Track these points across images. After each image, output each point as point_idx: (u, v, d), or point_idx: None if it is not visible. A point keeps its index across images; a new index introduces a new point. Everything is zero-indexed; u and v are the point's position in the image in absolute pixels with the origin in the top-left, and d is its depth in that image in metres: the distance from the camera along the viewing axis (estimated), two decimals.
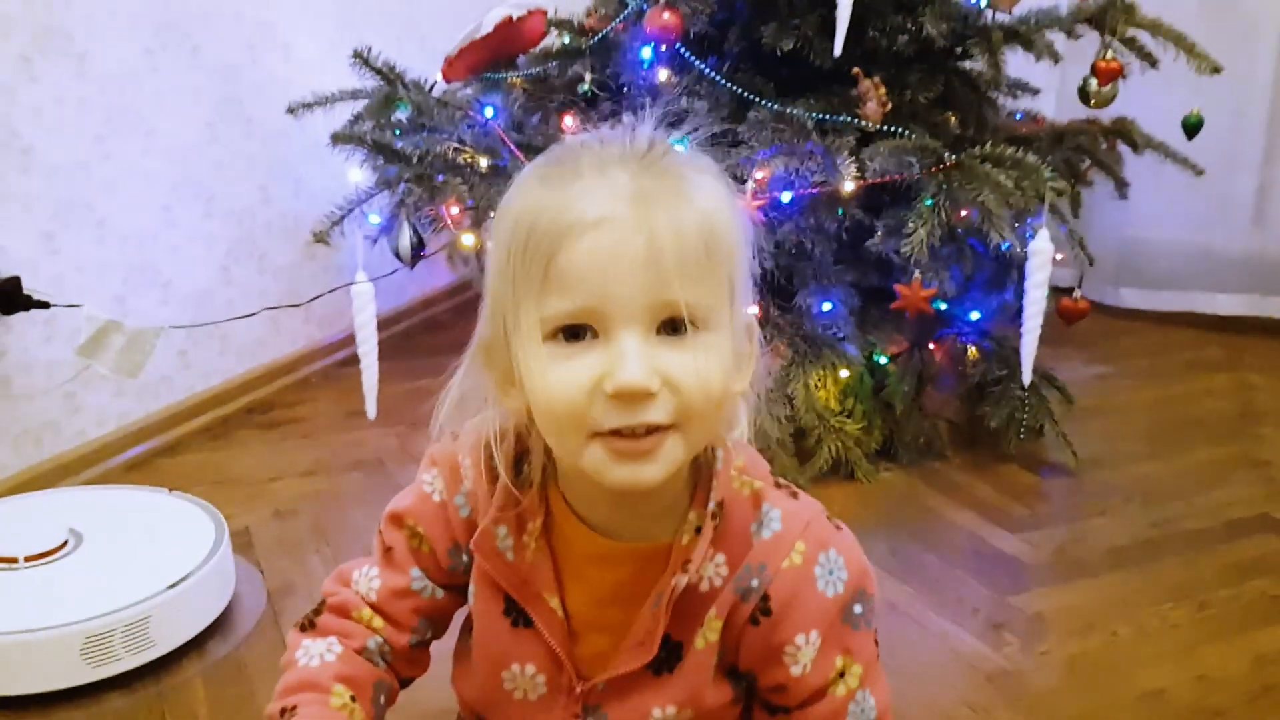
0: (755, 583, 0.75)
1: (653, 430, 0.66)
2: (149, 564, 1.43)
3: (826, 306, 1.80)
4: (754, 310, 0.74)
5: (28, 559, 1.43)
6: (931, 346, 1.93)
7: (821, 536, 0.77)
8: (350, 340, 2.14)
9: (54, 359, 1.80)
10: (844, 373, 1.83)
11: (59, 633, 1.32)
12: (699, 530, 0.74)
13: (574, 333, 0.67)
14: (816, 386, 1.81)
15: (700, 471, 0.76)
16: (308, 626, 0.84)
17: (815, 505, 0.79)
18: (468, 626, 0.84)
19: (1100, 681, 1.37)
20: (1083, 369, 2.33)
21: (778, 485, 0.79)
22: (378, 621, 0.83)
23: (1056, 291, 1.78)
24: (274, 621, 1.49)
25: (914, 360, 1.91)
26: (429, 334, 2.62)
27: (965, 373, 1.94)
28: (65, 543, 1.46)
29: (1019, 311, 1.79)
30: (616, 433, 0.66)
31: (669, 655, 0.77)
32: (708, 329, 0.67)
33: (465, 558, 0.81)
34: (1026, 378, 1.76)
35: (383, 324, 2.18)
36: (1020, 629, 1.48)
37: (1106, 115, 2.11)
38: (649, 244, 0.64)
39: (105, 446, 1.90)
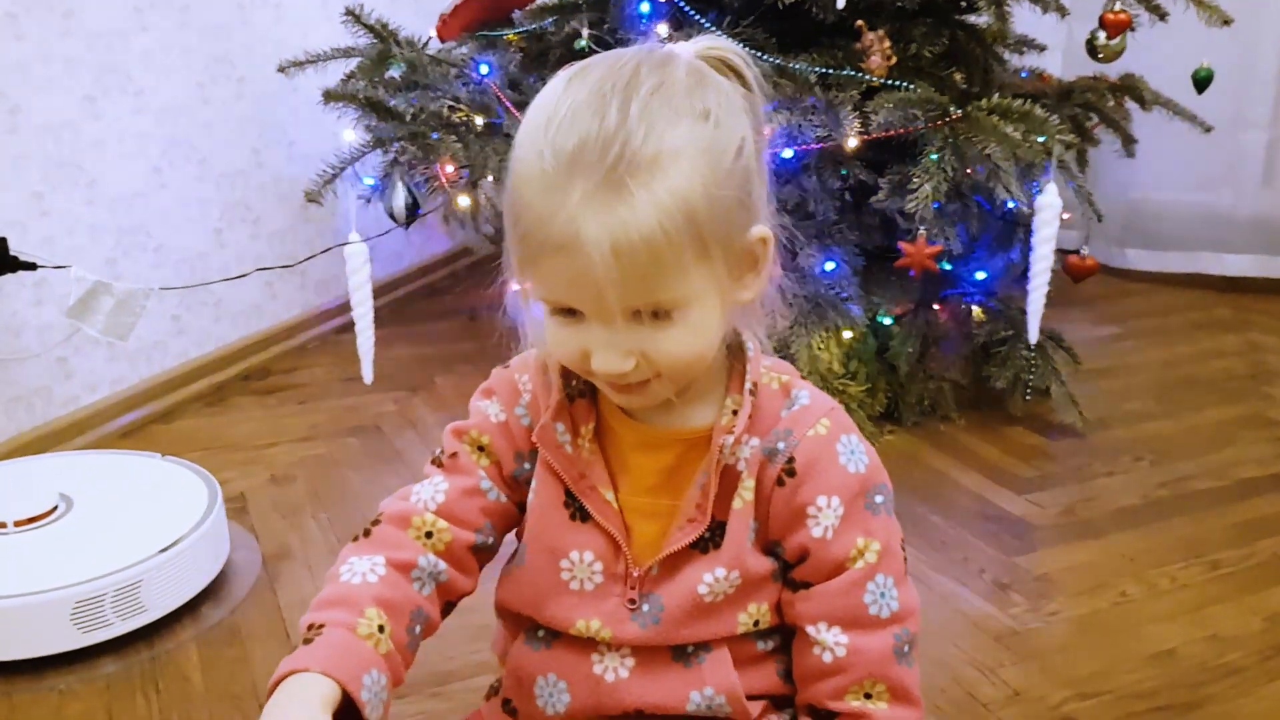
0: (781, 445, 0.79)
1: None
2: (141, 528, 1.40)
3: (829, 266, 1.77)
4: (763, 230, 0.74)
5: (17, 524, 1.40)
6: (936, 307, 1.90)
7: (844, 422, 0.81)
8: (346, 307, 2.11)
9: (44, 323, 1.77)
10: (847, 334, 1.80)
11: (49, 597, 1.29)
12: (736, 413, 0.79)
13: (567, 310, 0.73)
14: (819, 348, 1.78)
15: (734, 360, 0.81)
16: (360, 538, 0.83)
17: (841, 407, 0.84)
18: (516, 555, 0.86)
19: (1110, 641, 1.35)
20: (1089, 330, 2.30)
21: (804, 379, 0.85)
22: (441, 524, 0.83)
23: (1062, 253, 1.75)
24: (269, 586, 1.47)
25: (918, 321, 1.88)
26: (427, 300, 2.59)
27: (970, 333, 1.91)
28: (55, 507, 1.44)
29: (1025, 271, 1.76)
30: None
31: (714, 534, 0.80)
32: (681, 308, 0.71)
33: (527, 465, 0.84)
34: (1033, 336, 1.73)
35: (380, 290, 2.15)
36: (1028, 589, 1.46)
37: (1114, 71, 2.07)
38: (612, 265, 0.67)
39: (99, 413, 1.87)
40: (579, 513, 0.82)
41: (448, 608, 0.85)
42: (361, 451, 1.87)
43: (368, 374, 1.80)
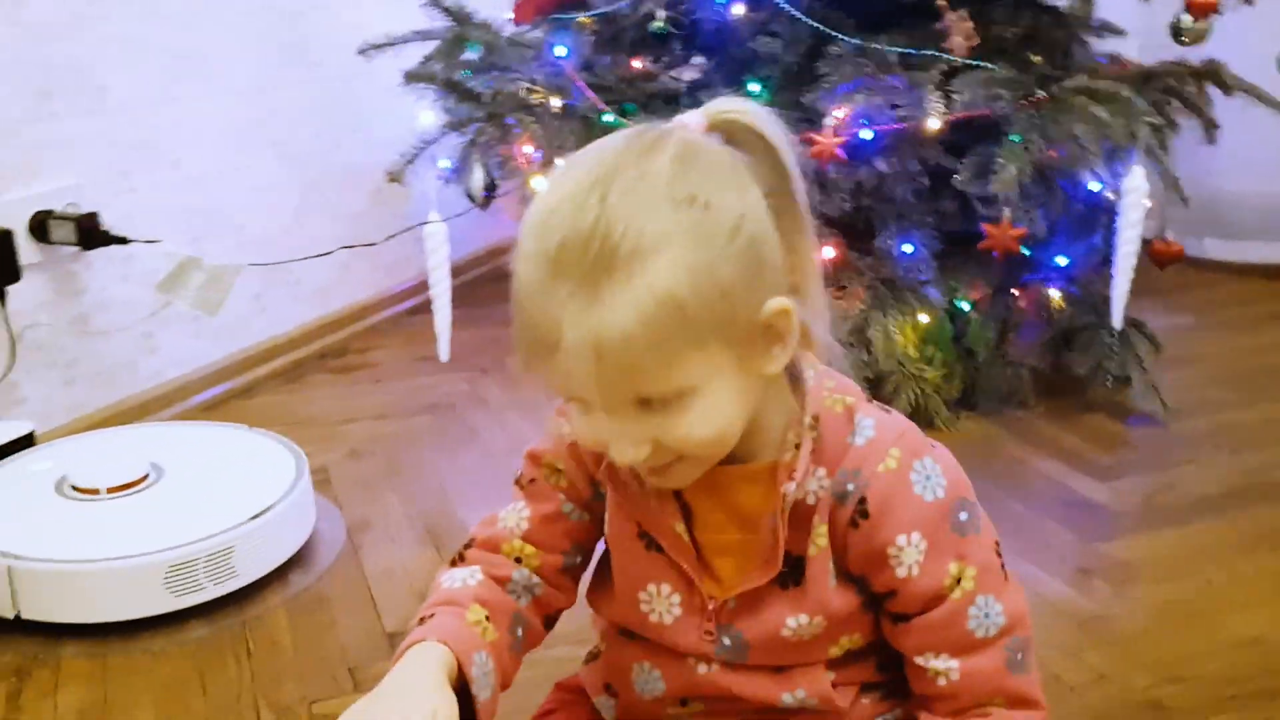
0: (851, 486, 0.76)
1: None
2: (230, 496, 1.43)
3: (907, 249, 1.76)
4: (781, 303, 0.71)
5: (110, 490, 1.44)
6: (1015, 293, 1.88)
7: (916, 445, 0.78)
8: (419, 289, 2.14)
9: (131, 298, 1.81)
10: (924, 318, 1.79)
11: (143, 561, 1.33)
12: (799, 447, 0.76)
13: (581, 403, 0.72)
14: (895, 332, 1.77)
15: (794, 391, 0.78)
16: (456, 561, 0.85)
17: (908, 421, 0.81)
18: (605, 556, 0.86)
19: (1193, 627, 1.33)
20: (1167, 319, 2.26)
21: (869, 402, 0.81)
22: (529, 549, 0.84)
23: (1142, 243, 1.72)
24: (354, 555, 1.49)
25: (997, 306, 1.86)
26: (495, 283, 2.59)
27: (1051, 320, 1.89)
28: (146, 475, 1.47)
29: (1107, 257, 1.74)
30: None
31: (792, 570, 0.78)
32: (686, 396, 0.69)
33: (600, 491, 0.84)
34: (1118, 321, 1.71)
35: (451, 273, 2.18)
36: (1109, 575, 1.44)
37: (1196, 57, 2.04)
38: (595, 365, 0.67)
39: (182, 387, 1.91)
40: (653, 543, 0.81)
41: (549, 621, 0.87)
42: (436, 429, 1.90)
43: (444, 352, 1.82)
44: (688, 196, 0.68)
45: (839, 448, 0.76)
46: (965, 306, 1.84)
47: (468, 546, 0.85)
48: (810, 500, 0.76)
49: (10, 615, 1.33)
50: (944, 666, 0.77)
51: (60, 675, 1.27)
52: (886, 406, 0.82)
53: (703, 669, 0.81)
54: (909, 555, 0.76)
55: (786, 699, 0.80)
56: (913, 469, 0.76)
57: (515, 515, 0.85)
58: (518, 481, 0.86)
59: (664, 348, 0.67)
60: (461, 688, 0.74)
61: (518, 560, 0.84)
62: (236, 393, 1.99)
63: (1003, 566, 0.80)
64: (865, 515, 0.76)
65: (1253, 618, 1.35)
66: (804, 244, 0.75)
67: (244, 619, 1.36)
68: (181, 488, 1.46)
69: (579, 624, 0.91)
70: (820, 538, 0.77)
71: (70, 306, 1.74)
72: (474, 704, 0.75)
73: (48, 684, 1.26)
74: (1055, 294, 1.89)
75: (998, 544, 0.80)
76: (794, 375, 0.78)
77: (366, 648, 1.30)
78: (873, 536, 0.76)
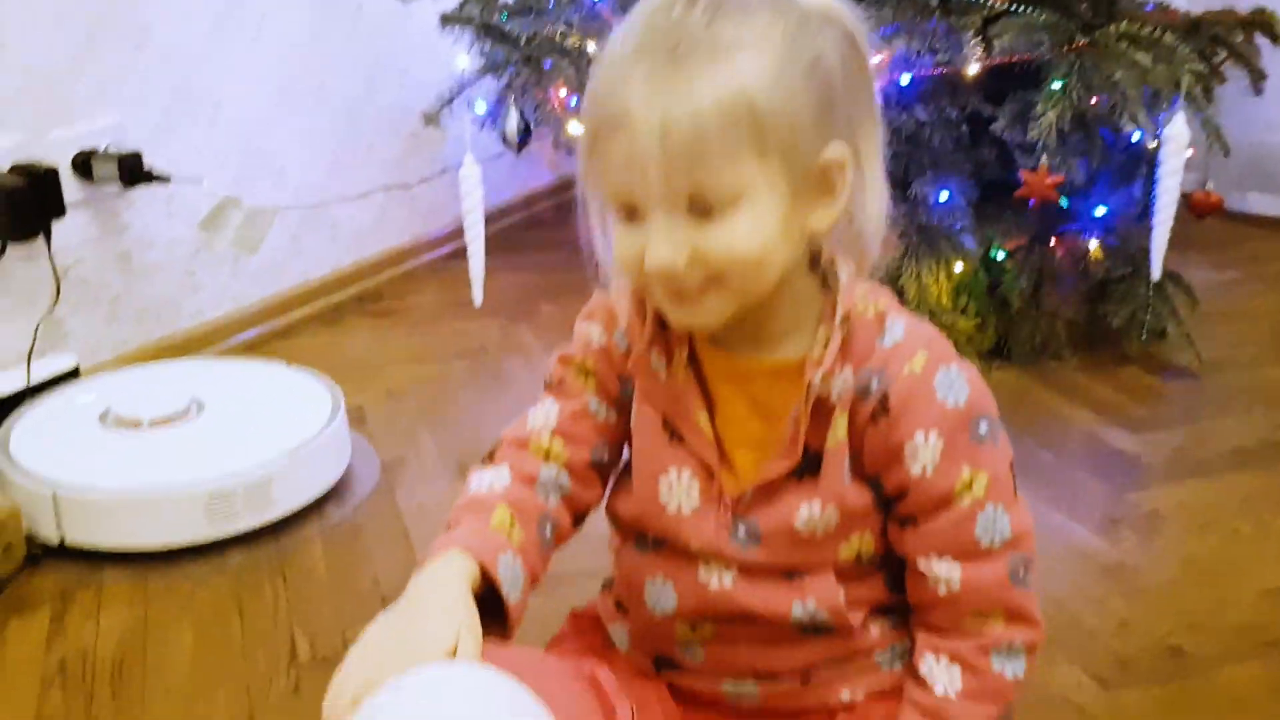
0: (875, 384, 0.77)
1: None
2: (269, 429, 1.46)
3: (944, 196, 1.75)
4: (841, 151, 0.73)
5: (152, 422, 1.47)
6: (1052, 242, 1.86)
7: (943, 353, 0.79)
8: (454, 235, 2.15)
9: (174, 236, 1.84)
10: (958, 267, 1.78)
11: (184, 491, 1.36)
12: (829, 345, 0.77)
13: (628, 210, 0.73)
14: (929, 280, 1.76)
15: (827, 289, 0.79)
16: (486, 461, 0.86)
17: (939, 332, 0.82)
18: (626, 466, 0.88)
19: (1220, 577, 1.34)
20: (1206, 273, 2.23)
21: (901, 309, 0.82)
22: (557, 444, 0.85)
23: (1182, 196, 1.70)
24: (389, 491, 1.52)
25: (1033, 256, 1.84)
26: (530, 230, 2.62)
27: (1087, 270, 1.87)
28: (188, 408, 1.50)
29: (1147, 208, 1.71)
30: None
31: (809, 464, 0.79)
32: (737, 205, 0.70)
33: (629, 389, 0.85)
34: (1156, 271, 1.70)
35: (486, 219, 2.19)
36: (1138, 525, 1.44)
37: (1244, 5, 2.00)
38: (660, 141, 0.68)
39: (222, 327, 1.95)
40: (675, 434, 0.82)
41: (578, 519, 0.87)
42: (470, 373, 1.92)
43: (478, 295, 1.84)
44: (782, 11, 0.71)
45: (867, 347, 0.78)
46: (1000, 256, 1.83)
47: (495, 447, 0.86)
48: (833, 398, 0.78)
49: (55, 542, 1.38)
50: (946, 572, 0.78)
51: (103, 598, 1.32)
52: (919, 316, 0.82)
53: (714, 584, 0.82)
54: (924, 454, 0.77)
55: (798, 610, 0.81)
56: (938, 373, 0.77)
57: (544, 413, 0.86)
58: (546, 383, 0.87)
59: (729, 142, 0.68)
60: (490, 592, 0.76)
61: (546, 457, 0.84)
62: (275, 334, 2.03)
63: (1015, 486, 0.80)
64: (886, 411, 0.77)
65: (1278, 570, 1.34)
66: (870, 146, 0.75)
67: (281, 549, 1.39)
68: (222, 421, 1.49)
69: (598, 560, 0.92)
70: (839, 430, 0.78)
71: (113, 244, 1.77)
72: (504, 606, 0.76)
73: (90, 606, 1.30)
74: (1093, 244, 1.87)
75: (1013, 464, 0.80)
76: (829, 275, 0.79)
77: (400, 580, 1.30)
78: (890, 433, 0.77)
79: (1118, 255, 1.86)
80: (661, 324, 0.81)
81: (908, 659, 0.82)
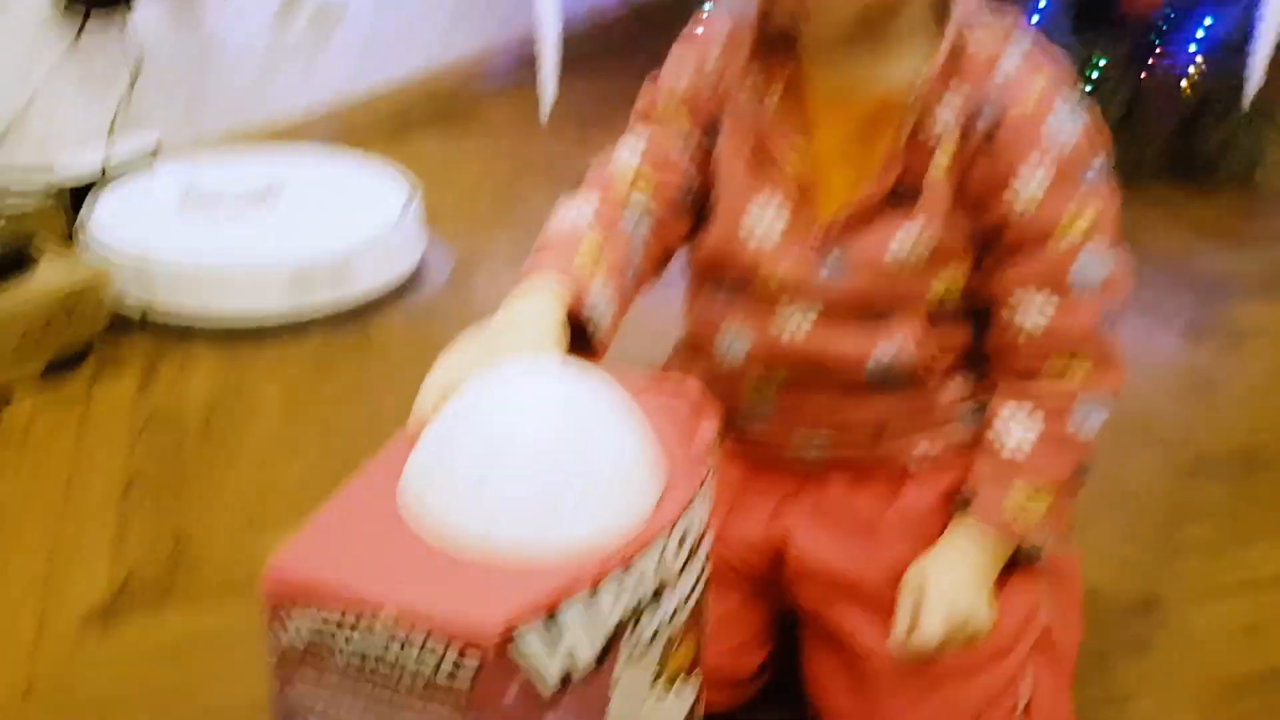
0: (989, 108, 0.74)
1: None
2: (348, 213, 1.48)
3: (1043, 2, 1.68)
4: None
5: (234, 202, 1.49)
6: (1150, 61, 1.79)
7: (1062, 84, 0.76)
8: (528, 42, 2.11)
9: (249, 28, 1.82)
10: None
11: (269, 267, 1.38)
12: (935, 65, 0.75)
13: None
14: None
15: (947, 15, 0.75)
16: (573, 189, 0.84)
17: (1063, 58, 0.78)
18: (712, 206, 0.85)
19: None
20: None
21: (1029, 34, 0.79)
22: (646, 171, 0.82)
23: None
24: (464, 280, 1.54)
25: (1130, 74, 1.77)
26: (604, 39, 2.54)
27: (1184, 93, 1.80)
28: (267, 191, 1.51)
29: (1249, 32, 1.64)
30: None
31: (907, 191, 0.76)
32: None
33: (722, 114, 0.82)
34: (1251, 93, 1.62)
35: (561, 26, 2.14)
36: (1222, 334, 1.42)
37: None
38: None
39: (297, 126, 1.94)
40: (768, 159, 0.79)
41: (666, 253, 0.84)
42: (544, 177, 1.90)
43: (548, 101, 1.80)
44: None
45: (985, 66, 0.74)
46: (1094, 75, 1.76)
47: (585, 176, 0.84)
48: (937, 126, 0.75)
49: (140, 312, 1.40)
50: (1039, 310, 0.76)
51: (190, 363, 1.35)
52: (1044, 42, 0.78)
53: (792, 327, 0.80)
54: (1031, 187, 0.74)
55: (879, 355, 0.78)
56: (1054, 105, 0.74)
57: (634, 139, 0.84)
58: (636, 110, 0.85)
59: None
60: (579, 322, 0.75)
61: (635, 182, 0.82)
62: (347, 133, 2.02)
63: (1117, 233, 0.77)
64: (995, 140, 0.74)
65: None
66: None
67: (360, 326, 1.42)
68: (301, 203, 1.50)
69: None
70: (944, 155, 0.75)
71: (190, 33, 1.76)
72: (594, 331, 0.75)
73: (178, 370, 1.34)
74: (1191, 66, 1.79)
75: (1118, 214, 0.78)
76: (943, 8, 0.75)
77: None
78: (998, 162, 0.74)
79: (1216, 79, 1.78)
80: (767, 47, 0.79)
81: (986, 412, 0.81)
